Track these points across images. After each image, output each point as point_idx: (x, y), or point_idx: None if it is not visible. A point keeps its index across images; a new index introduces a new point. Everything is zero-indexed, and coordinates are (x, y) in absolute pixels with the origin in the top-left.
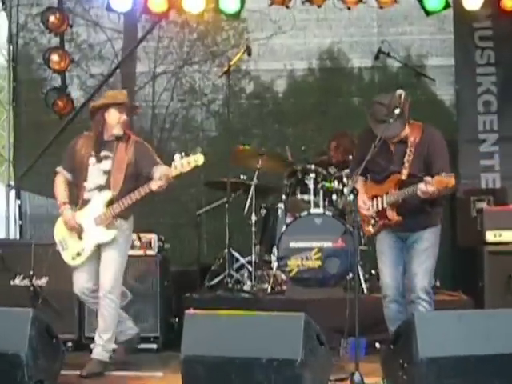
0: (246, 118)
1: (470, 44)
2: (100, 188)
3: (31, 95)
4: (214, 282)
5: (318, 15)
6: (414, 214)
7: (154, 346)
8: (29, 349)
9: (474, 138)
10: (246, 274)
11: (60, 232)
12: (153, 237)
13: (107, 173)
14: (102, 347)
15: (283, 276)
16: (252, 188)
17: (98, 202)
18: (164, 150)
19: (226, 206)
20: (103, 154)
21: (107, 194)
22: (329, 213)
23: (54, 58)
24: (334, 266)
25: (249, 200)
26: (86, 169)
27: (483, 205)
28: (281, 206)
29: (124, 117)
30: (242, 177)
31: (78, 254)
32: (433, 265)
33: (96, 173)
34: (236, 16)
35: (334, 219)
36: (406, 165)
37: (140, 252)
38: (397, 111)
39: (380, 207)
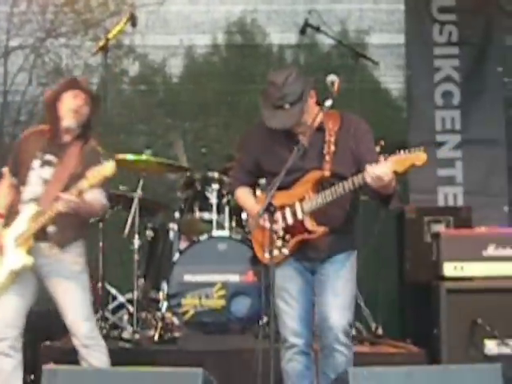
0: (129, 110)
1: (426, 17)
2: (36, 200)
3: None
4: None
5: None
6: (333, 229)
7: None
8: None
9: (430, 140)
10: (125, 317)
11: None
12: None
13: (46, 183)
14: None
15: (175, 320)
16: (135, 202)
17: (22, 218)
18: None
19: (100, 225)
20: (50, 157)
21: (32, 208)
22: (236, 236)
23: None
24: (242, 306)
25: (130, 218)
26: (27, 172)
27: (440, 227)
28: (173, 226)
29: (79, 102)
30: (121, 187)
31: None
32: (352, 298)
33: (35, 180)
34: None
35: (242, 245)
36: (327, 158)
37: None
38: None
39: (291, 220)
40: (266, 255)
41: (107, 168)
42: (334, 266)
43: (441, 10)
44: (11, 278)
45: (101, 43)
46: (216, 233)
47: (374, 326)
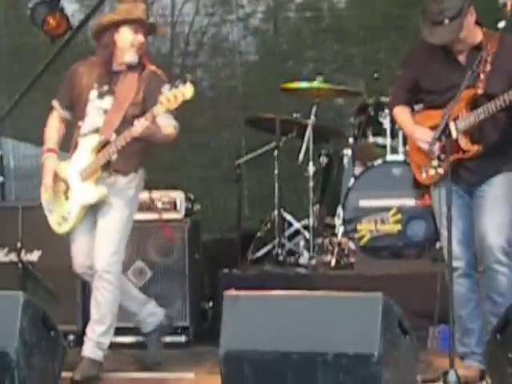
0: (297, 37)
1: None
2: (97, 131)
3: (12, 12)
4: (261, 253)
5: None
6: (488, 150)
7: (183, 338)
8: (20, 344)
9: None
10: (302, 243)
11: (49, 190)
12: (178, 195)
13: (106, 113)
14: (94, 343)
15: (352, 245)
16: (309, 129)
17: (84, 150)
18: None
19: (275, 152)
20: (107, 87)
21: (94, 139)
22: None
23: None
24: (418, 230)
25: (305, 145)
26: (85, 105)
27: None
28: (347, 152)
29: (140, 38)
30: (294, 114)
31: (64, 219)
32: (510, 219)
33: (95, 112)
34: None
35: None
36: (483, 77)
37: (164, 215)
38: (501, 24)
39: (445, 140)
40: (424, 175)
41: (187, 91)
42: (491, 188)
43: None
44: (84, 212)
45: None
46: (390, 157)
47: None
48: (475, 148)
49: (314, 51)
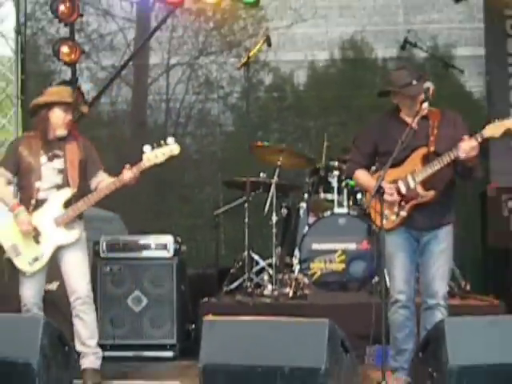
0: (265, 112)
1: (502, 33)
2: (57, 187)
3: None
4: (233, 286)
5: (340, 2)
6: (438, 197)
7: (171, 353)
8: (40, 357)
9: None
10: (266, 278)
11: (10, 237)
12: (168, 238)
13: (62, 171)
14: (93, 355)
15: (306, 280)
16: (272, 186)
17: (56, 202)
18: (179, 145)
19: (246, 205)
20: (53, 152)
21: (67, 193)
22: (353, 212)
23: (64, 49)
24: (358, 269)
25: (269, 199)
26: (39, 168)
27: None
28: (303, 205)
29: (69, 117)
30: (261, 175)
31: (36, 259)
32: (450, 268)
33: (50, 172)
34: (254, 4)
35: (358, 219)
36: (432, 138)
37: (156, 254)
38: (425, 105)
39: (405, 190)
40: (385, 221)
41: (175, 148)
42: (437, 242)
43: None
44: (54, 253)
45: (243, 59)
46: (337, 210)
47: (463, 283)
48: (431, 193)
49: (279, 124)
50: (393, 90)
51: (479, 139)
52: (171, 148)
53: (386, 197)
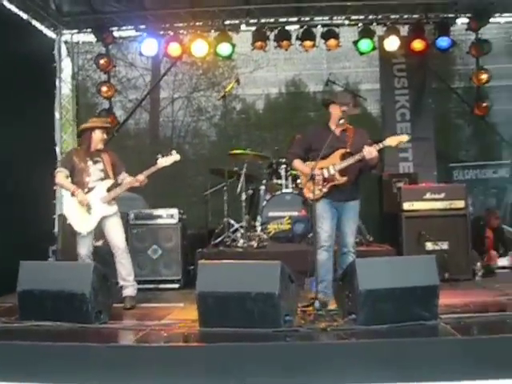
0: (237, 128)
1: (390, 74)
2: (101, 179)
3: (88, 115)
4: (217, 241)
5: (285, 55)
6: (347, 186)
7: (177, 285)
8: (91, 289)
9: None
10: (239, 235)
11: (71, 211)
12: (175, 211)
13: (102, 170)
14: (132, 286)
15: (265, 236)
16: (242, 176)
17: (101, 188)
18: (181, 150)
19: (225, 188)
20: (95, 159)
21: (109, 182)
22: (295, 191)
23: (104, 88)
24: (299, 228)
25: (240, 184)
26: (88, 168)
27: (401, 184)
28: (262, 187)
29: (104, 136)
30: (235, 168)
31: (87, 225)
32: (357, 227)
33: (95, 171)
34: (229, 57)
35: (298, 196)
36: (348, 143)
37: (166, 221)
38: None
39: (327, 175)
40: (310, 195)
41: (177, 157)
42: (348, 210)
43: (398, 70)
44: (100, 221)
45: (222, 94)
46: (284, 190)
47: (367, 236)
48: (344, 178)
49: (246, 135)
50: (336, 101)
51: (380, 146)
52: (175, 157)
53: (316, 179)
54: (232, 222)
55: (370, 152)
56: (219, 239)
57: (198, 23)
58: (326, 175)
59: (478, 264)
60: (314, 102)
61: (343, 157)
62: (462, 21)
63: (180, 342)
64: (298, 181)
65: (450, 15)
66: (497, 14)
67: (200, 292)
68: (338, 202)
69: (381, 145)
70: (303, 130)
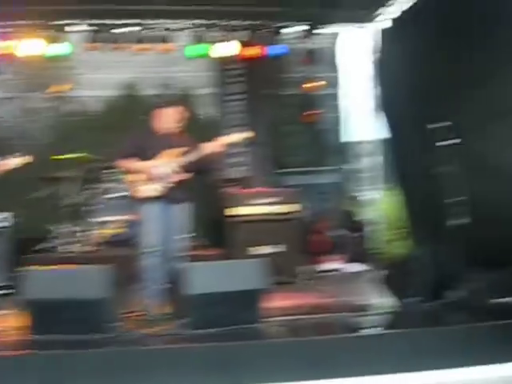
0: (72, 130)
1: (226, 79)
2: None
3: None
4: (49, 246)
5: (122, 58)
6: (178, 188)
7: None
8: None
9: None
10: (72, 240)
11: None
12: (4, 214)
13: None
14: None
15: (99, 240)
16: (77, 179)
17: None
18: (12, 152)
19: (60, 192)
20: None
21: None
22: (129, 194)
23: None
24: (133, 231)
25: (73, 187)
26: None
27: (233, 189)
28: (97, 190)
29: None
30: (68, 172)
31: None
32: (188, 231)
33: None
34: (63, 58)
35: (131, 199)
36: (180, 146)
37: None
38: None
39: (158, 175)
40: (141, 196)
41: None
42: (180, 211)
43: (233, 76)
44: None
45: (53, 94)
46: (118, 194)
47: (200, 240)
48: (175, 179)
49: (81, 138)
50: (169, 105)
51: (226, 141)
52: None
53: (146, 179)
54: (65, 226)
55: (208, 147)
56: (51, 244)
57: (30, 21)
58: (157, 176)
59: (309, 267)
60: (149, 105)
61: (176, 157)
62: (296, 29)
63: (10, 350)
64: (130, 182)
65: (285, 23)
66: (330, 25)
67: (27, 299)
68: (169, 204)
69: (226, 139)
70: (137, 132)
